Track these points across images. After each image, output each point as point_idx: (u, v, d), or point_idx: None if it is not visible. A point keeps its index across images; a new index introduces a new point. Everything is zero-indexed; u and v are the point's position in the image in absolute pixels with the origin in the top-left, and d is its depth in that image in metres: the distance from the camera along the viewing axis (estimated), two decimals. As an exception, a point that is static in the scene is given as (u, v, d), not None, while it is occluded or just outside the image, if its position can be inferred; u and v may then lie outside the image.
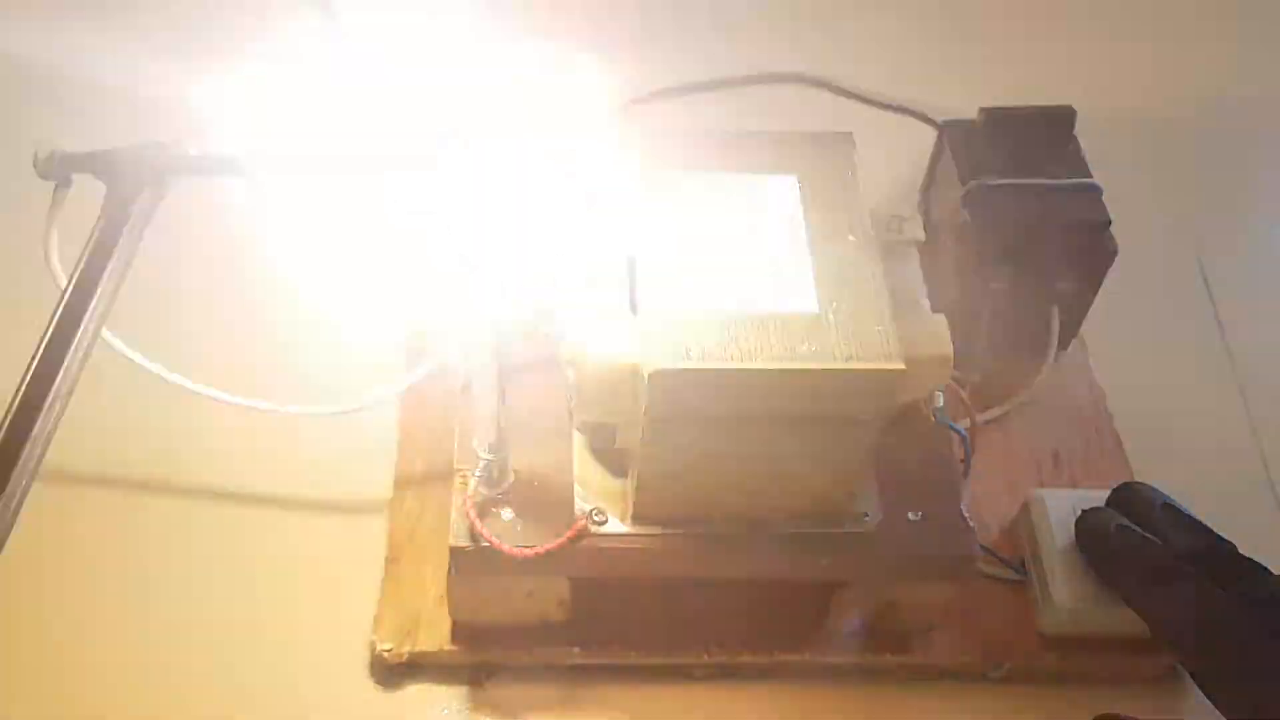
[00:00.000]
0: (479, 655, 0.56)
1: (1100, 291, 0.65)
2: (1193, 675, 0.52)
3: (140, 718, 0.56)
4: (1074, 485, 0.64)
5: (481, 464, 0.51)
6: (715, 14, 0.93)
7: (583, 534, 0.51)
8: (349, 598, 0.59)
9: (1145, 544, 0.54)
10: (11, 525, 0.40)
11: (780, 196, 0.51)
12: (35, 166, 0.47)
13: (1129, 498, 0.57)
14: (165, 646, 0.58)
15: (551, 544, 0.51)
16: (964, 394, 0.57)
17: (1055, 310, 0.65)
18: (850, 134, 0.53)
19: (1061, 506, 0.59)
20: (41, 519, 0.61)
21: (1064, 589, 0.56)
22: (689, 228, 0.49)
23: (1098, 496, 0.59)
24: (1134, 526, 0.55)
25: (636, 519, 0.52)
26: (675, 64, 0.87)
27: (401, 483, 0.62)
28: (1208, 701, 0.51)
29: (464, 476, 0.53)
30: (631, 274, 0.50)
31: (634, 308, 0.49)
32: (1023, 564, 0.60)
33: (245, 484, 0.63)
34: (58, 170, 0.47)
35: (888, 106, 0.82)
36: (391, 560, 0.59)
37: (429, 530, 0.60)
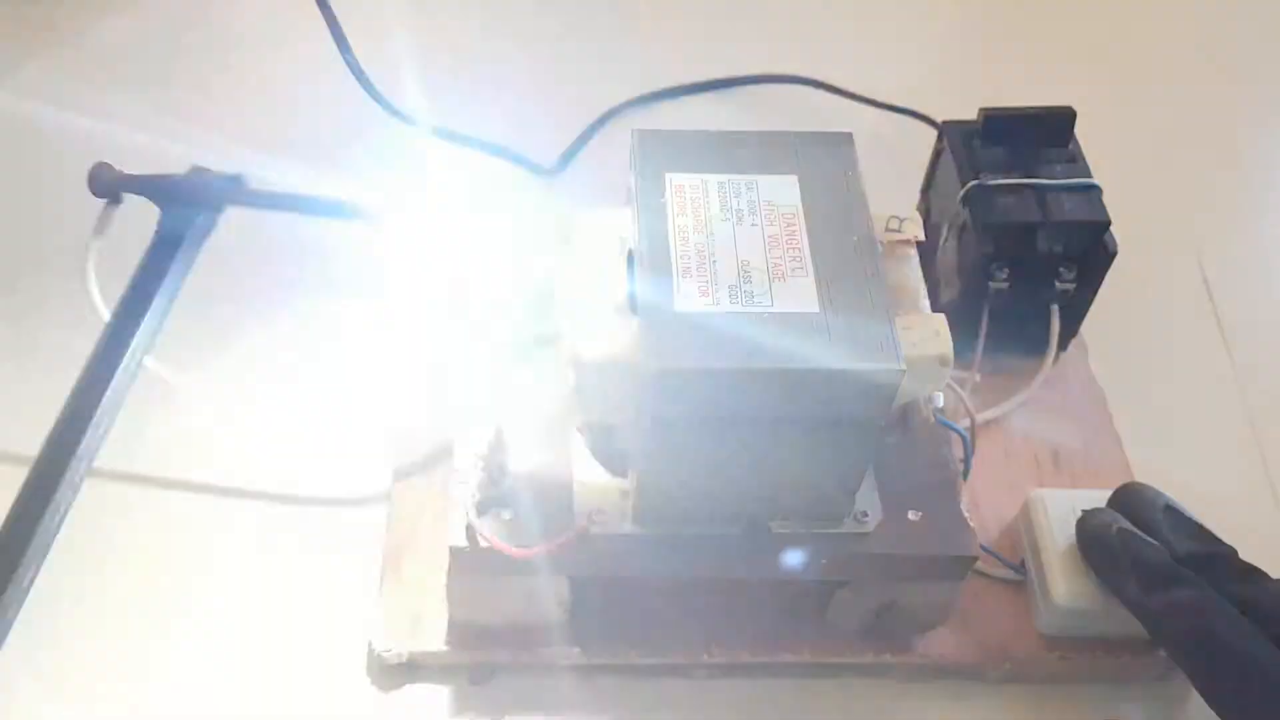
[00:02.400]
0: (479, 655, 0.56)
1: (1100, 291, 0.65)
2: (1191, 679, 0.52)
3: (137, 717, 0.56)
4: (1074, 485, 0.64)
5: (481, 464, 0.51)
6: (715, 14, 0.93)
7: (583, 534, 0.51)
8: (349, 598, 0.59)
9: (1145, 547, 0.54)
10: (56, 531, 0.41)
11: (780, 196, 0.51)
12: (89, 183, 0.47)
13: (1130, 499, 0.57)
14: (163, 646, 0.58)
15: (551, 544, 0.51)
16: (964, 394, 0.57)
17: (1055, 310, 0.65)
18: (850, 134, 0.53)
19: (1061, 506, 0.59)
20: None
21: (1064, 589, 0.56)
22: (689, 227, 0.49)
23: (1098, 496, 0.59)
24: (1134, 529, 0.55)
25: (636, 519, 0.52)
26: (675, 64, 0.87)
27: (401, 483, 0.62)
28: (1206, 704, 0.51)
29: (464, 476, 0.53)
30: (631, 274, 0.50)
31: (634, 308, 0.49)
32: (1023, 564, 0.60)
33: (244, 484, 0.63)
34: (112, 189, 0.47)
35: (888, 106, 0.82)
36: (391, 560, 0.59)
37: (429, 530, 0.60)
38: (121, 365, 0.43)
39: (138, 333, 0.44)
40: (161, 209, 0.46)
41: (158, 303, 0.44)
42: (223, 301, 0.70)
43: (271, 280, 0.72)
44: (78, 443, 0.42)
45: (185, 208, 0.46)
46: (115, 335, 0.43)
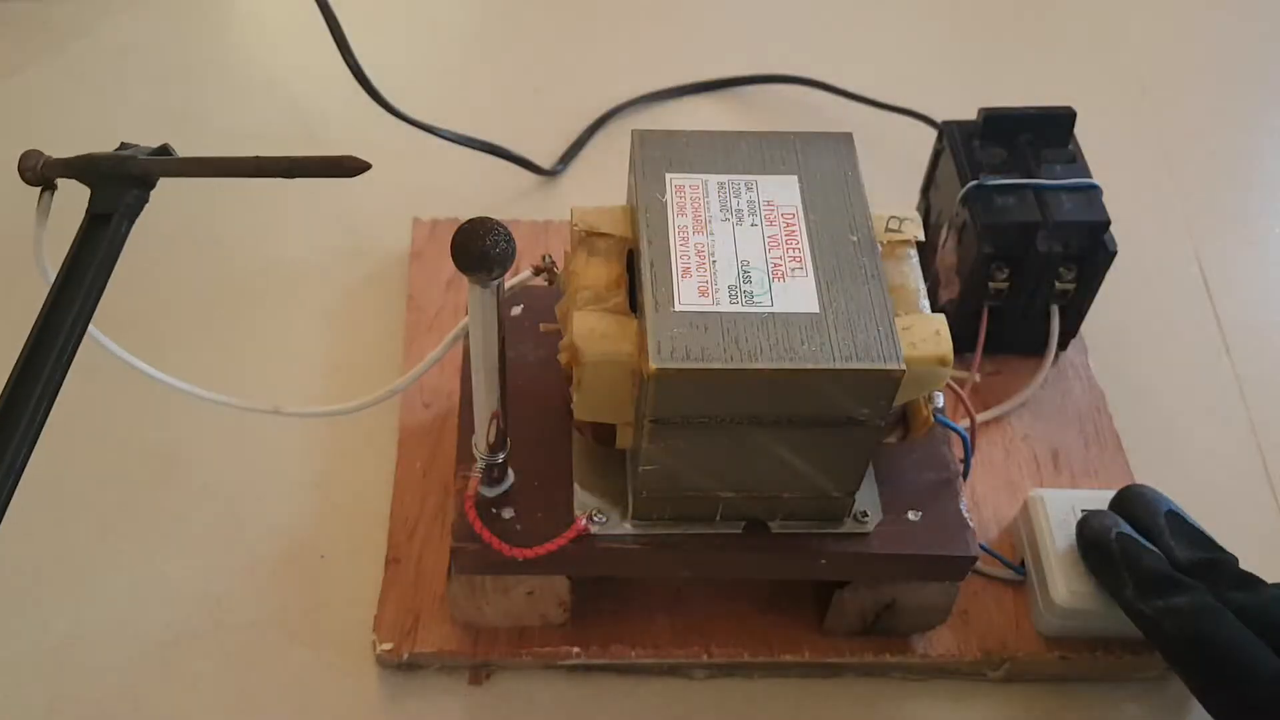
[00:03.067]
0: (479, 655, 0.56)
1: (1100, 291, 0.65)
2: (1188, 685, 0.52)
3: (141, 718, 0.56)
4: (1074, 485, 0.64)
5: (481, 464, 0.51)
6: (715, 14, 0.93)
7: (583, 534, 0.51)
8: (349, 598, 0.59)
9: (1145, 554, 0.54)
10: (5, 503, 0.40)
11: (780, 196, 0.51)
12: (20, 172, 0.47)
13: (1133, 502, 0.57)
14: (164, 647, 0.58)
15: (551, 544, 0.51)
16: (964, 394, 0.57)
17: (1055, 310, 0.66)
18: (850, 134, 0.53)
19: (1061, 506, 0.59)
20: (37, 521, 0.61)
21: (1063, 589, 0.56)
22: (689, 227, 0.49)
23: (1098, 496, 0.59)
24: (1135, 535, 0.55)
25: (636, 519, 0.52)
26: (675, 64, 0.87)
27: (401, 483, 0.62)
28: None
29: (464, 476, 0.53)
30: (631, 274, 0.50)
31: (634, 308, 0.49)
32: (1022, 564, 0.60)
33: (245, 484, 0.63)
34: (43, 174, 0.47)
35: (888, 106, 0.82)
36: (391, 560, 0.59)
37: (429, 530, 0.60)
38: (60, 340, 0.43)
39: (76, 308, 0.44)
40: (91, 188, 0.46)
41: (93, 281, 0.44)
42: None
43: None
44: (19, 421, 0.41)
45: (115, 185, 0.46)
46: (54, 312, 0.44)
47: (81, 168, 0.46)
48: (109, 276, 0.45)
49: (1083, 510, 0.58)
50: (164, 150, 0.47)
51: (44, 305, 0.44)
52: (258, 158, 0.45)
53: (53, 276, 0.46)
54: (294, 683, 0.57)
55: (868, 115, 0.83)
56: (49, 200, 0.48)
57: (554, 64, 0.89)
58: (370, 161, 0.43)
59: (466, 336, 0.53)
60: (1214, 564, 0.54)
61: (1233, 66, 0.93)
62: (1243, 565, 0.54)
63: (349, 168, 0.44)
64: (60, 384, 0.43)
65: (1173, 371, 0.72)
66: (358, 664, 0.57)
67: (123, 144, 0.48)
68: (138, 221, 0.47)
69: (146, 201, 0.46)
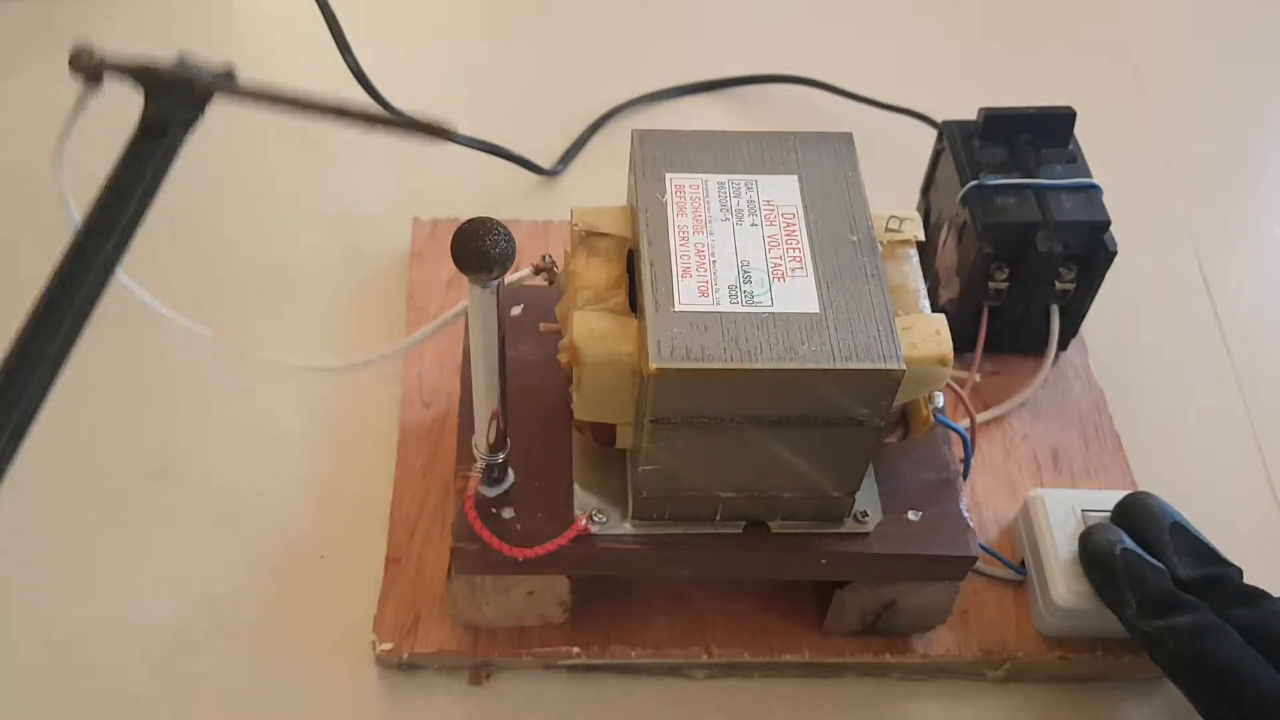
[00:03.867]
0: (479, 655, 0.56)
1: (1100, 291, 0.65)
2: (1192, 703, 0.52)
3: (141, 718, 0.56)
4: (1074, 485, 0.64)
5: (481, 464, 0.51)
6: (715, 14, 0.93)
7: (583, 534, 0.51)
8: (349, 598, 0.59)
9: (1148, 571, 0.53)
10: (10, 460, 0.38)
11: (780, 196, 0.51)
12: (71, 61, 0.44)
13: (1138, 512, 0.56)
14: (163, 645, 0.58)
15: (551, 544, 0.51)
16: (964, 394, 0.57)
17: (1055, 310, 0.66)
18: (850, 134, 0.53)
19: (1061, 506, 0.59)
20: (37, 520, 0.61)
21: (1063, 589, 0.56)
22: (689, 227, 0.49)
23: (1098, 496, 0.59)
24: (1139, 551, 0.54)
25: (636, 519, 0.52)
26: (675, 64, 0.87)
27: (401, 482, 0.62)
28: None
29: (464, 476, 0.53)
30: (631, 274, 0.50)
31: (634, 307, 0.49)
32: (1023, 564, 0.60)
33: (245, 484, 0.63)
34: (96, 69, 0.44)
35: (888, 106, 0.82)
36: (391, 560, 0.59)
37: (429, 530, 0.60)
38: (93, 269, 0.39)
39: (114, 233, 0.41)
40: (146, 95, 0.44)
41: (137, 199, 0.42)
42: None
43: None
44: (39, 361, 0.38)
45: (172, 97, 0.43)
46: (89, 236, 0.41)
47: (141, 73, 0.43)
48: (158, 191, 0.42)
49: (1083, 511, 0.58)
50: (229, 70, 0.45)
51: (90, 209, 0.41)
52: (340, 100, 0.43)
53: (64, 175, 0.43)
54: (294, 683, 0.57)
55: (868, 115, 0.83)
56: (89, 97, 0.45)
57: (554, 64, 0.89)
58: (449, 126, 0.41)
59: (468, 336, 0.53)
60: (1217, 579, 0.53)
61: (1233, 66, 0.93)
62: (1243, 564, 0.54)
63: (438, 132, 0.42)
64: (100, 293, 0.40)
65: (1173, 371, 0.72)
66: (358, 664, 0.57)
67: (182, 53, 0.45)
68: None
69: (200, 118, 0.44)
